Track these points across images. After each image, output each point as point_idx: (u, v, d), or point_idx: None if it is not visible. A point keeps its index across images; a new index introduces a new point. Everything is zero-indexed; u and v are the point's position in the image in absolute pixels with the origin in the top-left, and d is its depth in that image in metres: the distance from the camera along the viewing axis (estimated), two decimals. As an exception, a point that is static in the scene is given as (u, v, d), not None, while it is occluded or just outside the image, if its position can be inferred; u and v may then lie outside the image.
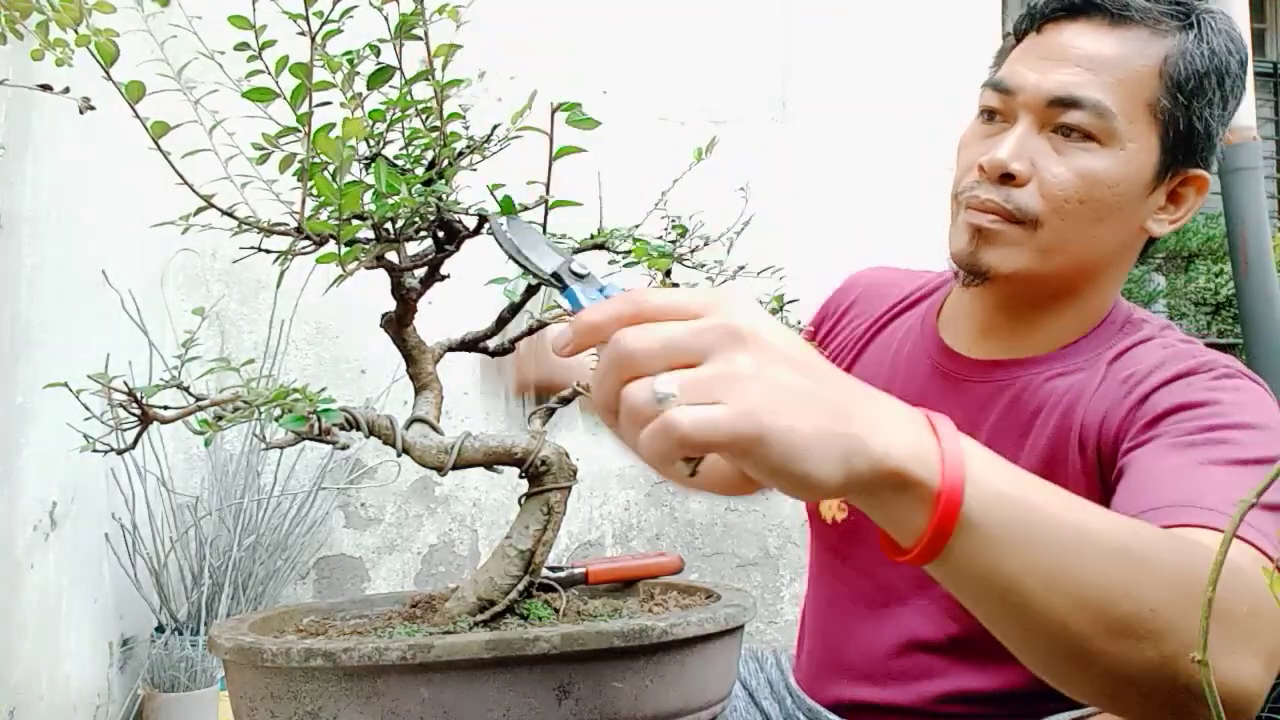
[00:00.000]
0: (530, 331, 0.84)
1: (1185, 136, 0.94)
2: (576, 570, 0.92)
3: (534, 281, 0.67)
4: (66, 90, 0.73)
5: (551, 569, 0.86)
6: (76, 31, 0.67)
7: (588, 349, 0.56)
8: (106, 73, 0.67)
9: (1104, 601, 0.59)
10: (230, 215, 0.73)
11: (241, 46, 0.70)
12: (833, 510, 1.09)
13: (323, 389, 0.72)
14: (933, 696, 1.00)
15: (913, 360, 1.07)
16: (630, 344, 0.52)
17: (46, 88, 0.73)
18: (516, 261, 0.66)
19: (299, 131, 0.72)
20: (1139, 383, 0.91)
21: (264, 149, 0.73)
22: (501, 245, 0.68)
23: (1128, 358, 0.95)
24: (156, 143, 0.70)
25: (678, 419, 0.50)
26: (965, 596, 0.60)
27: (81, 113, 0.71)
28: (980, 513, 0.55)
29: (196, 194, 0.72)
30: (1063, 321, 0.99)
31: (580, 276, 0.63)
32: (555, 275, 0.64)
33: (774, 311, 0.83)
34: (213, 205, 0.72)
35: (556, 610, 0.80)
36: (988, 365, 1.01)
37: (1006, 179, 0.93)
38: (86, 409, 0.70)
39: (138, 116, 0.68)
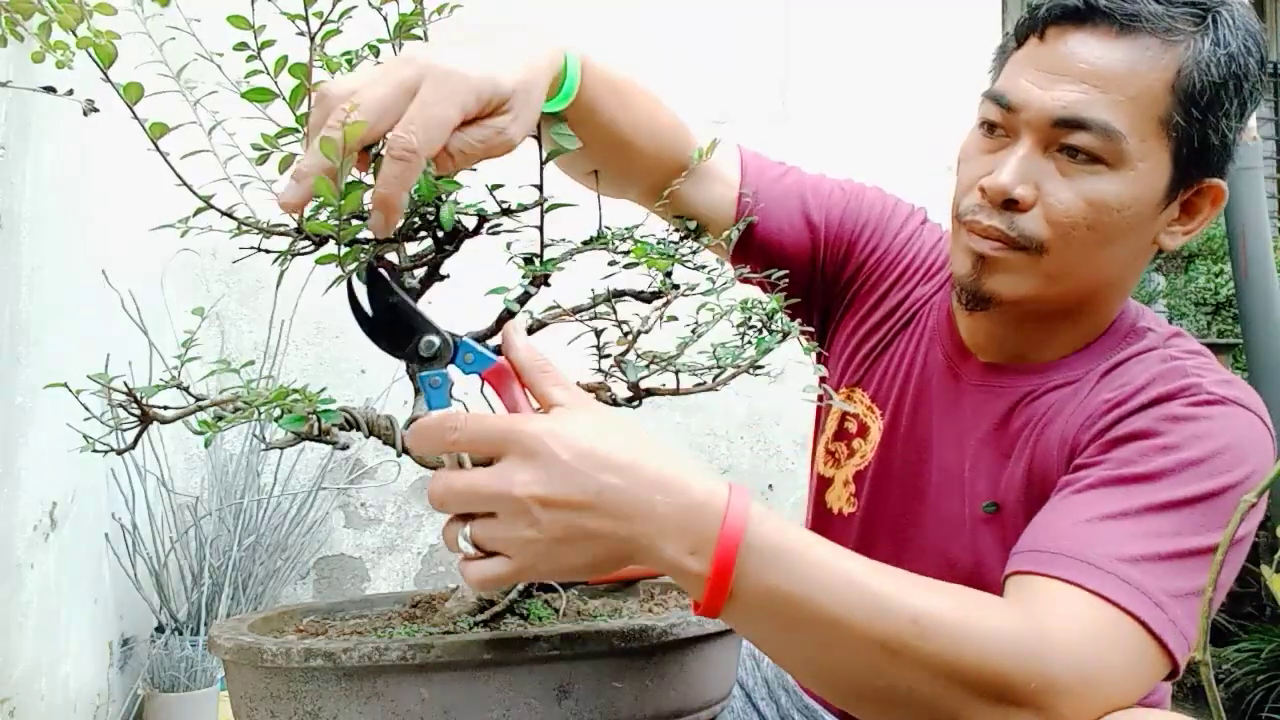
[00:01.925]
0: (530, 331, 0.83)
1: (1201, 151, 0.89)
2: (576, 570, 0.91)
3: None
4: (70, 92, 0.73)
5: (551, 569, 0.86)
6: (76, 34, 0.67)
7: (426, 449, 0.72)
8: (105, 74, 0.67)
9: (855, 682, 0.71)
10: (230, 216, 0.73)
11: (240, 46, 0.70)
12: (840, 502, 1.08)
13: (323, 389, 0.72)
14: None
15: (926, 345, 1.05)
16: (435, 501, 0.68)
17: (50, 90, 0.73)
18: (368, 335, 0.73)
19: (298, 132, 0.72)
20: (1117, 405, 0.89)
21: (263, 149, 0.73)
22: (353, 312, 0.72)
23: (1120, 372, 0.93)
24: (155, 144, 0.70)
25: (470, 573, 0.67)
26: (748, 633, 0.73)
27: (85, 114, 0.71)
28: (743, 605, 0.68)
29: (196, 195, 0.72)
30: (1072, 335, 0.97)
31: (429, 354, 0.71)
32: (408, 363, 0.72)
33: (773, 312, 0.83)
34: (212, 206, 0.72)
35: (556, 610, 0.80)
36: (989, 370, 1.00)
37: (1010, 204, 0.88)
38: (86, 409, 0.70)
39: (136, 118, 0.68)
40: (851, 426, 1.08)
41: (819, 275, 1.10)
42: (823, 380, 0.82)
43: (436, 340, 0.69)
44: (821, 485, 1.11)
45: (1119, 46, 0.87)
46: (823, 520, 1.11)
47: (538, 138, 0.75)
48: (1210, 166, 0.90)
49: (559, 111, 0.79)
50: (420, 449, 0.72)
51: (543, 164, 0.74)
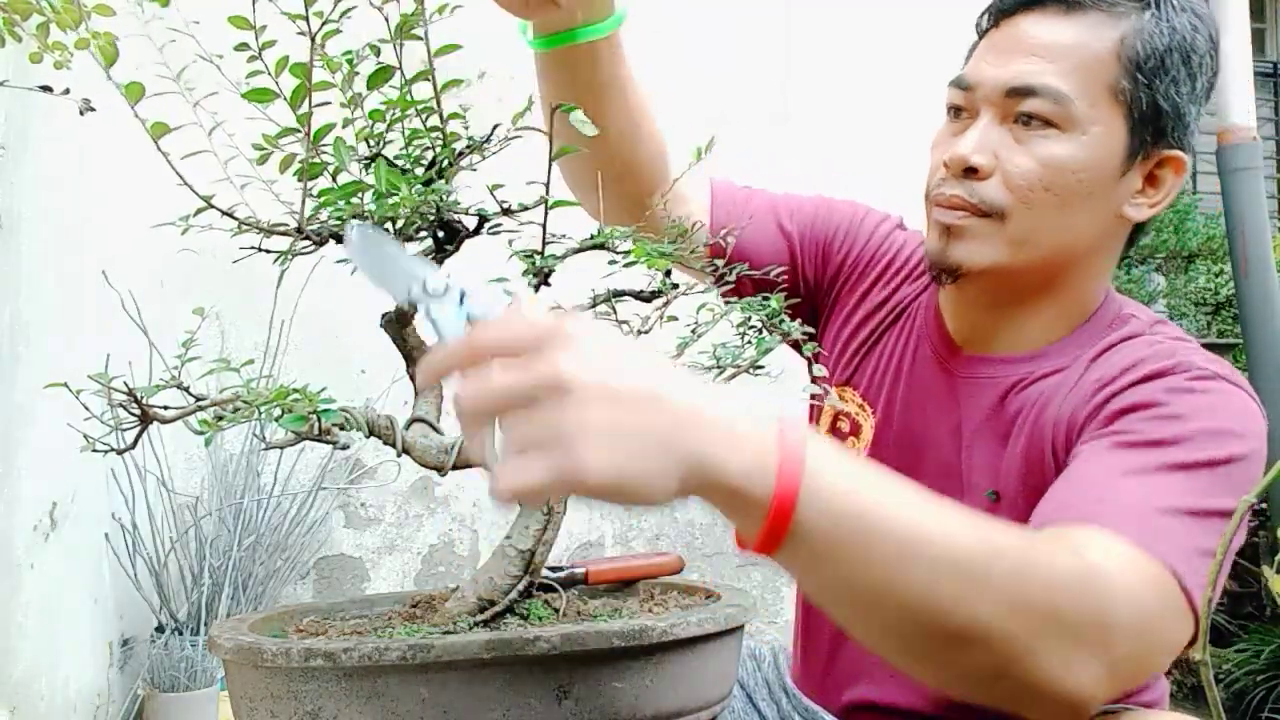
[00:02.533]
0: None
1: (1152, 117, 0.92)
2: (576, 570, 0.92)
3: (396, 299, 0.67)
4: (67, 91, 0.73)
5: (551, 569, 0.86)
6: (76, 35, 0.67)
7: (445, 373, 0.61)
8: (107, 74, 0.67)
9: (932, 612, 0.64)
10: (230, 216, 0.73)
11: (242, 47, 0.70)
12: None
13: (323, 389, 0.72)
14: (932, 696, 1.00)
15: (914, 342, 1.06)
16: (467, 403, 0.58)
17: (47, 89, 0.73)
18: (372, 281, 0.67)
19: (299, 132, 0.72)
20: (1108, 384, 0.90)
21: (264, 149, 0.73)
22: (353, 260, 0.68)
23: (1107, 357, 0.94)
24: (156, 144, 0.70)
25: (503, 480, 0.56)
26: (806, 590, 0.66)
27: (82, 114, 0.71)
28: (810, 527, 0.59)
29: (197, 194, 0.72)
30: (1047, 317, 0.98)
31: (438, 294, 0.65)
32: (411, 303, 0.66)
33: (773, 313, 0.83)
34: (213, 206, 0.72)
35: (556, 610, 0.80)
36: (977, 361, 1.01)
37: (970, 173, 0.93)
38: (86, 409, 0.70)
39: (138, 117, 0.68)
40: (844, 425, 1.09)
41: (801, 282, 1.12)
42: (821, 380, 0.82)
43: (445, 276, 0.66)
44: None
45: (1067, 24, 0.93)
46: None
47: (548, 134, 0.75)
48: (1166, 135, 0.94)
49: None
50: (441, 366, 0.61)
51: (551, 160, 0.74)
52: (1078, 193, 0.92)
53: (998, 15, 0.97)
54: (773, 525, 0.59)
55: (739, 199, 1.12)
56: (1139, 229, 1.00)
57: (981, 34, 0.99)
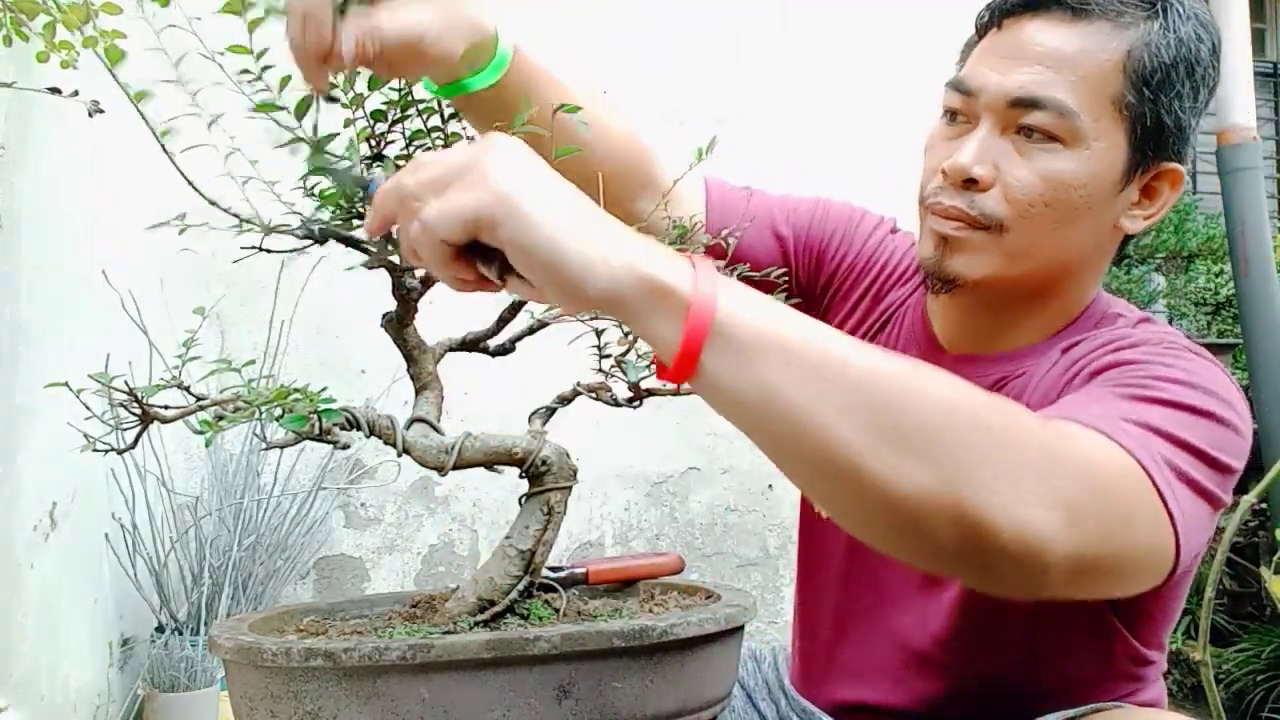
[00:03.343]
0: (531, 331, 0.84)
1: (1154, 131, 0.91)
2: (576, 570, 0.92)
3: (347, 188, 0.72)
4: (75, 93, 0.73)
5: (551, 569, 0.86)
6: (83, 33, 0.67)
7: (390, 217, 0.62)
8: (113, 74, 0.67)
9: (872, 409, 0.57)
10: (231, 215, 0.73)
11: (244, 74, 0.70)
12: None
13: (323, 389, 0.72)
14: (928, 696, 1.01)
15: (905, 348, 1.06)
16: (405, 185, 0.60)
17: (55, 91, 0.73)
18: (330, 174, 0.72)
19: (302, 141, 0.72)
20: (1080, 359, 0.90)
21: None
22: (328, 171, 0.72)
23: (1084, 343, 0.93)
24: (162, 145, 0.70)
25: (425, 211, 0.58)
26: (730, 413, 0.60)
27: (90, 115, 0.71)
28: (733, 320, 0.57)
29: (201, 195, 0.72)
30: (1037, 320, 0.98)
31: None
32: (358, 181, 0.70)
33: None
34: (214, 204, 0.72)
35: (556, 610, 0.80)
36: (963, 361, 1.00)
37: (970, 184, 0.91)
38: (87, 409, 0.70)
39: (146, 122, 0.68)
40: None
41: (795, 286, 1.11)
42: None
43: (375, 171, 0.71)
44: None
45: (1072, 31, 0.90)
46: (811, 527, 1.11)
47: (549, 134, 0.75)
48: (1166, 148, 0.93)
49: (486, 87, 0.83)
50: (389, 186, 0.62)
51: (551, 160, 0.73)
52: (1077, 208, 0.91)
53: (1000, 15, 0.94)
54: (693, 325, 0.56)
55: (735, 200, 1.11)
56: (1130, 236, 0.99)
57: (981, 32, 0.97)
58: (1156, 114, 0.90)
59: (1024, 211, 0.90)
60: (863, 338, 1.09)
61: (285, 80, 0.71)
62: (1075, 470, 0.63)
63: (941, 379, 0.62)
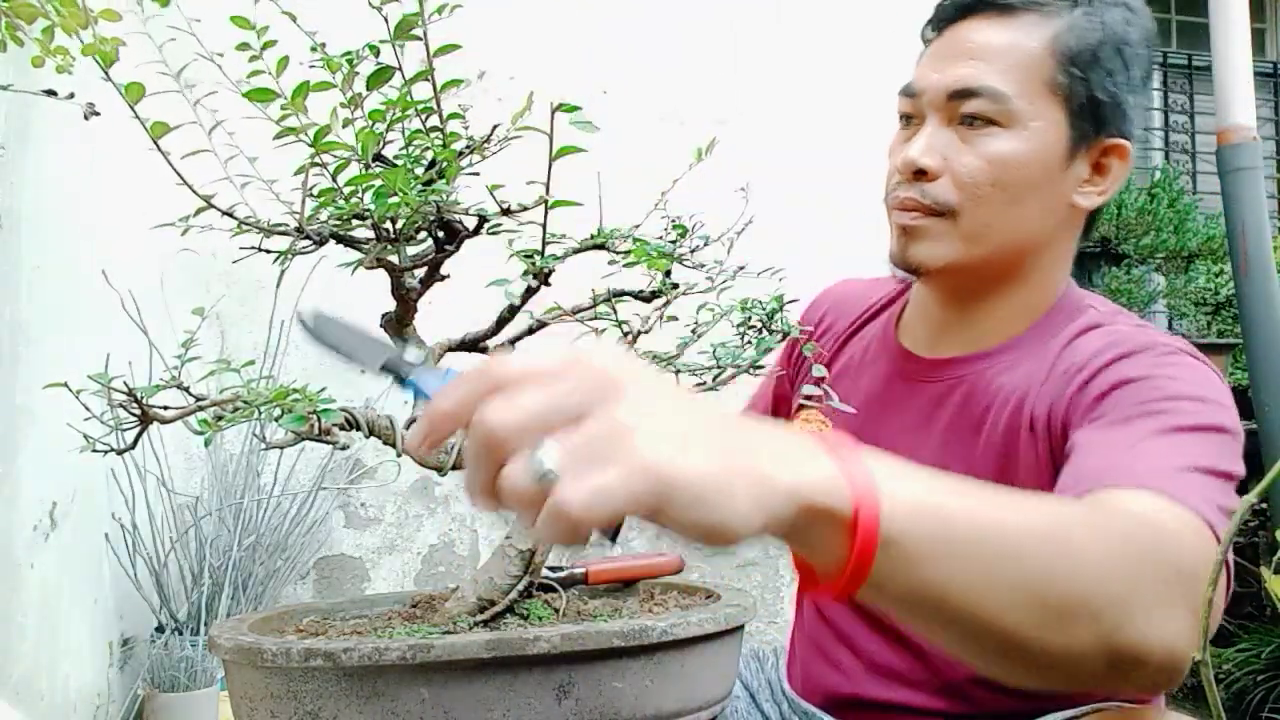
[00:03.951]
0: (530, 331, 0.84)
1: (1090, 108, 0.96)
2: (576, 570, 0.92)
3: (368, 371, 0.62)
4: (71, 96, 0.73)
5: (551, 569, 0.86)
6: (81, 41, 0.67)
7: (445, 438, 0.51)
8: (106, 74, 0.67)
9: (1035, 593, 0.59)
10: (230, 215, 0.73)
11: (243, 47, 0.70)
12: None
13: (323, 389, 0.72)
14: (913, 686, 1.02)
15: (874, 366, 1.10)
16: (495, 421, 0.47)
17: (51, 93, 0.73)
18: (340, 355, 0.62)
19: (298, 132, 0.72)
20: (1081, 369, 0.93)
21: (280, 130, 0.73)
22: (320, 341, 0.63)
23: (1074, 347, 0.96)
24: (156, 143, 0.70)
25: (567, 499, 0.45)
26: (898, 612, 0.59)
27: (86, 118, 0.71)
28: (898, 529, 0.54)
29: (196, 194, 0.72)
30: (1008, 310, 1.01)
31: (419, 362, 0.60)
32: (386, 368, 0.61)
33: (773, 313, 0.83)
34: (212, 205, 0.72)
35: (556, 610, 0.80)
36: (940, 364, 1.03)
37: (920, 175, 0.97)
38: (86, 409, 0.70)
39: (138, 117, 0.68)
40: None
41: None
42: (820, 381, 0.82)
43: (419, 349, 0.65)
44: None
45: (1002, 27, 0.97)
46: None
47: (549, 134, 0.75)
48: (1107, 124, 0.98)
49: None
50: (452, 405, 0.50)
51: (551, 160, 0.73)
52: (1024, 185, 0.96)
53: (939, 24, 1.02)
54: (863, 542, 0.52)
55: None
56: (1093, 219, 1.04)
57: (926, 43, 1.04)
58: (1089, 91, 0.96)
59: (973, 195, 0.96)
60: (849, 374, 1.12)
61: (282, 64, 0.71)
62: (1188, 570, 0.67)
63: (1082, 523, 0.65)
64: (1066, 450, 0.89)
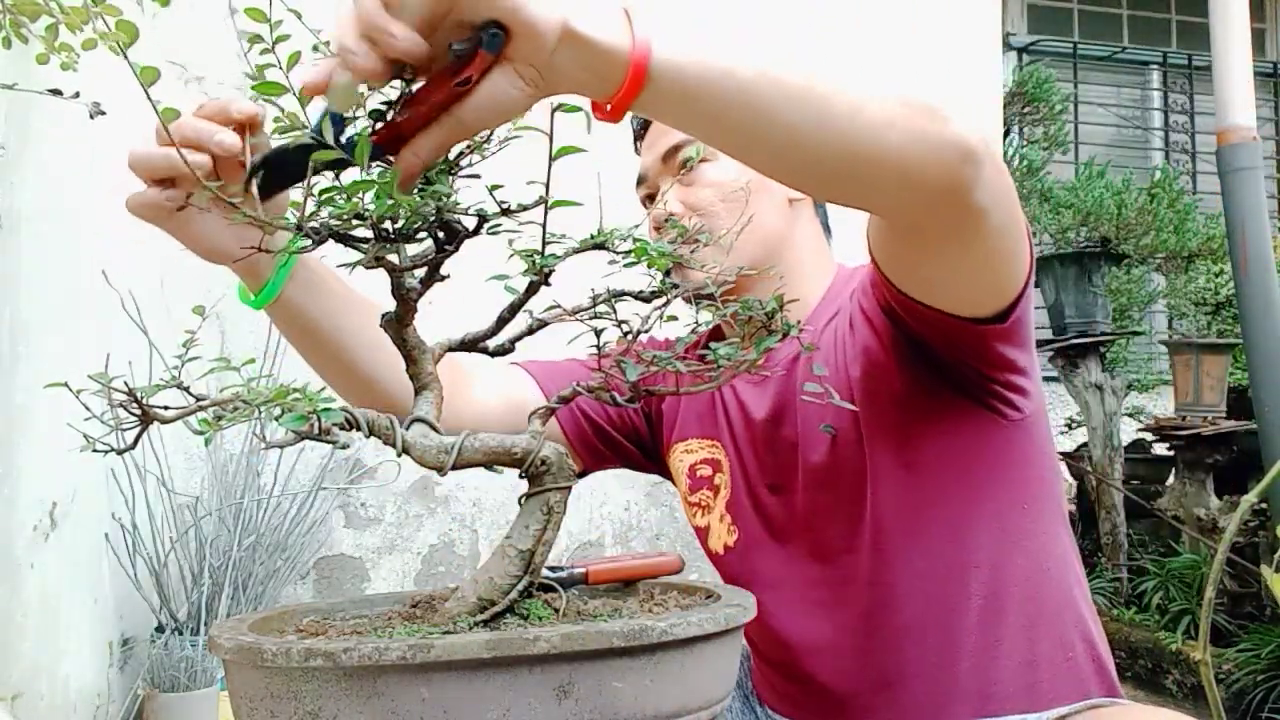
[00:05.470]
0: (530, 331, 0.84)
1: None
2: (576, 570, 0.92)
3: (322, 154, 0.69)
4: (77, 95, 0.73)
5: (551, 569, 0.86)
6: (83, 36, 0.66)
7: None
8: (123, 53, 0.66)
9: (822, 111, 0.75)
10: (229, 215, 0.73)
11: (255, 39, 0.70)
12: (724, 538, 1.19)
13: (323, 388, 0.72)
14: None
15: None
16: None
17: (57, 92, 0.73)
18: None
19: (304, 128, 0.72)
20: (851, 311, 1.10)
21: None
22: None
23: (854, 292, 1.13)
24: (167, 130, 0.70)
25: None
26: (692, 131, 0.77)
27: (92, 117, 0.71)
28: (669, 57, 0.69)
29: (205, 186, 0.72)
30: (792, 295, 1.10)
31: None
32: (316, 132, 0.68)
33: (772, 313, 0.83)
34: (217, 195, 0.72)
35: (556, 610, 0.80)
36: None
37: (673, 219, 1.13)
38: (86, 409, 0.70)
39: (150, 100, 0.68)
40: (705, 470, 1.21)
41: (640, 424, 1.30)
42: (821, 378, 0.82)
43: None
44: (702, 537, 1.23)
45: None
46: (714, 562, 1.22)
47: (548, 134, 0.75)
48: None
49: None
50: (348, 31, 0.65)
51: (551, 160, 0.73)
52: (741, 194, 1.14)
53: (640, 131, 1.24)
54: (635, 56, 0.68)
55: (560, 369, 1.24)
56: (820, 207, 1.24)
57: (638, 151, 1.24)
58: None
59: (707, 214, 1.15)
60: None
61: (294, 59, 0.71)
62: (964, 128, 0.83)
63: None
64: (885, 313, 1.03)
